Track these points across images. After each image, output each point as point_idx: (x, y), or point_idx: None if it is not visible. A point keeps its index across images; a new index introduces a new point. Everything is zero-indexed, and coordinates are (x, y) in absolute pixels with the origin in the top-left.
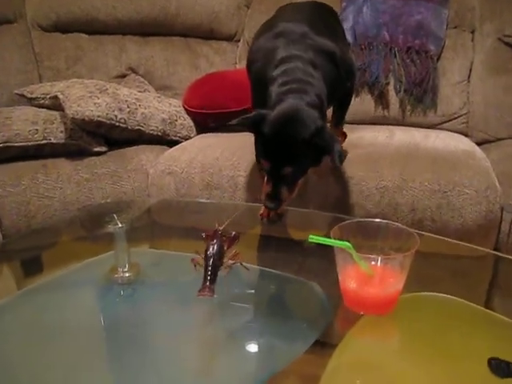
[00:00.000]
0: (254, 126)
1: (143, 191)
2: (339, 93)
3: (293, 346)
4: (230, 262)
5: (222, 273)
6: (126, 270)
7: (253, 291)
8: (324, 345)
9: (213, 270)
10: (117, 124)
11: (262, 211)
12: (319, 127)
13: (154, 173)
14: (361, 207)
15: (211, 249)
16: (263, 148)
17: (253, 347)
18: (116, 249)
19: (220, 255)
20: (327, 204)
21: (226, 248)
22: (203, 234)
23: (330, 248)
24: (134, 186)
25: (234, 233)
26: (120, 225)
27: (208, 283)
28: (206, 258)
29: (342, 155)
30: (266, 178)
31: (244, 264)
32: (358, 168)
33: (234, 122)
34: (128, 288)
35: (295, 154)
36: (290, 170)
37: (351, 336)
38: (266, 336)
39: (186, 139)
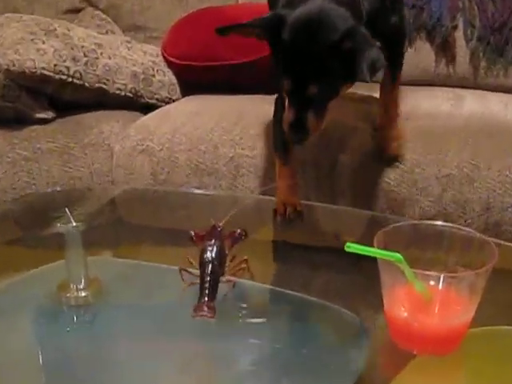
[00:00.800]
0: (269, 30)
1: (105, 176)
2: (381, 27)
3: None
4: (234, 271)
5: (222, 286)
6: (81, 287)
7: (262, 320)
8: None
9: (212, 281)
10: (69, 80)
11: (276, 205)
12: (351, 28)
13: (120, 150)
14: (414, 204)
15: (209, 252)
16: (282, 61)
17: None
18: (67, 257)
19: (221, 260)
20: (366, 199)
21: (227, 251)
22: (192, 234)
23: (370, 261)
24: (92, 169)
25: (238, 230)
26: (73, 223)
27: (206, 299)
28: (203, 265)
29: (377, 63)
30: (287, 103)
31: (249, 275)
32: (410, 149)
33: (241, 25)
34: (84, 313)
35: (322, 66)
36: (317, 88)
37: None
38: (282, 382)
39: (167, 103)
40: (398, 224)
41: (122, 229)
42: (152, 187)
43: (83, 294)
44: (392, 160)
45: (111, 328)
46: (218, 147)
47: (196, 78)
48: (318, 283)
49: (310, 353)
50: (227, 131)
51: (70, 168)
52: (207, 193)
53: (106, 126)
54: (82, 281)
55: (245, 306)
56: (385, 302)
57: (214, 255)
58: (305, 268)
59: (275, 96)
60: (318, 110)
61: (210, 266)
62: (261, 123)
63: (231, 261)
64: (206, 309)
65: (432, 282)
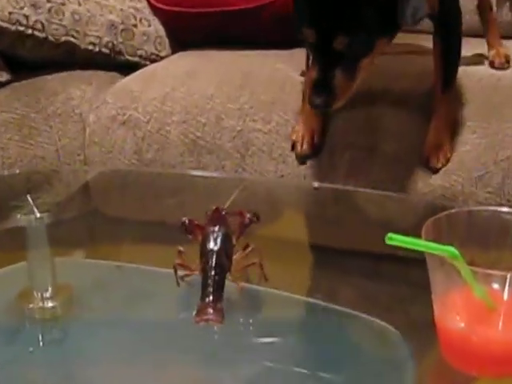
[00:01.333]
0: None
1: (76, 155)
2: None
3: None
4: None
5: (229, 284)
6: (47, 295)
7: (279, 338)
8: None
9: (218, 276)
10: (28, 32)
11: (294, 135)
12: None
13: (95, 122)
14: (468, 198)
15: (212, 241)
16: (305, 7)
17: None
18: (30, 257)
19: (227, 251)
20: (408, 181)
21: (235, 239)
22: (185, 221)
23: (415, 263)
24: (59, 146)
25: (248, 214)
26: (37, 214)
27: (211, 298)
28: (205, 256)
29: (419, 11)
30: (311, 60)
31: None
32: (468, 119)
33: None
34: (52, 329)
35: (355, 14)
36: (347, 40)
37: None
38: None
39: (153, 61)
40: (452, 211)
41: (97, 222)
42: (136, 169)
43: (50, 305)
44: (434, 170)
45: (86, 348)
46: (222, 118)
47: (189, 29)
48: (349, 291)
49: (341, 378)
50: (233, 98)
51: (31, 145)
52: (207, 175)
53: (76, 90)
54: (49, 288)
55: (257, 317)
56: (435, 310)
57: (219, 244)
58: (332, 272)
59: (292, 51)
60: (348, 69)
61: (215, 257)
62: (275, 87)
63: (240, 253)
64: (211, 311)
65: (496, 285)
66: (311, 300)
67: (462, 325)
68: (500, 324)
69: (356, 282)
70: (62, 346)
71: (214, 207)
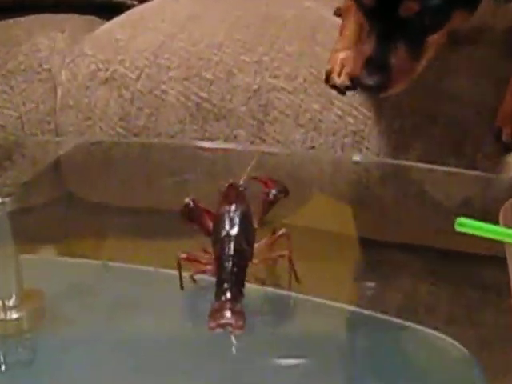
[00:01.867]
0: None
1: (45, 123)
2: None
3: None
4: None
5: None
6: (11, 304)
7: (308, 359)
8: None
9: (237, 268)
10: None
11: (330, 62)
12: None
13: (69, 80)
14: None
15: (228, 222)
16: None
17: None
18: None
19: (248, 236)
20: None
21: (256, 222)
22: (188, 203)
23: (486, 256)
24: (22, 112)
25: (273, 190)
26: None
27: (229, 296)
28: (221, 243)
29: None
30: (366, 30)
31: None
32: None
33: None
34: (17, 346)
35: None
36: (418, 4)
37: None
38: None
39: (142, 0)
40: None
41: (74, 209)
42: (123, 140)
43: (14, 316)
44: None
45: (59, 372)
46: (234, 74)
47: None
48: (400, 296)
49: None
50: (247, 47)
51: None
52: (215, 146)
53: (45, 39)
54: (13, 295)
55: (283, 327)
56: None
57: (237, 228)
58: (376, 272)
59: None
60: (413, 45)
61: (233, 243)
62: (303, 33)
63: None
64: (229, 315)
65: None
66: (351, 308)
67: None
68: None
69: (409, 284)
70: (30, 369)
71: (229, 183)
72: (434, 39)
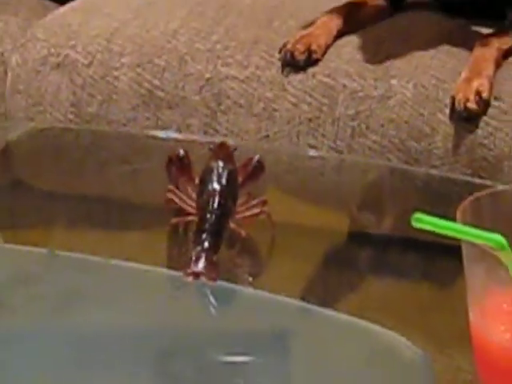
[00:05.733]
0: None
1: None
2: None
3: None
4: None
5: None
6: None
7: (258, 356)
8: None
9: (219, 220)
10: None
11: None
12: None
13: (19, 65)
14: None
15: (216, 177)
16: None
17: None
18: None
19: (233, 192)
20: (433, 158)
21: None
22: (179, 153)
23: (444, 245)
24: None
25: (257, 157)
26: None
27: (207, 246)
28: (207, 195)
29: None
30: None
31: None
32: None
33: None
34: None
35: None
36: None
37: None
38: None
39: None
40: (496, 190)
41: (22, 197)
42: (74, 126)
43: None
44: (465, 119)
45: (4, 367)
46: (187, 61)
47: None
48: (351, 292)
49: None
50: (202, 35)
51: None
52: (167, 136)
53: None
54: None
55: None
56: (471, 317)
57: (223, 183)
58: (328, 265)
59: None
60: None
61: (217, 198)
62: (257, 22)
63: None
64: (202, 264)
65: None
66: (302, 304)
67: (507, 337)
68: None
69: (360, 279)
70: None
71: (220, 142)
72: None
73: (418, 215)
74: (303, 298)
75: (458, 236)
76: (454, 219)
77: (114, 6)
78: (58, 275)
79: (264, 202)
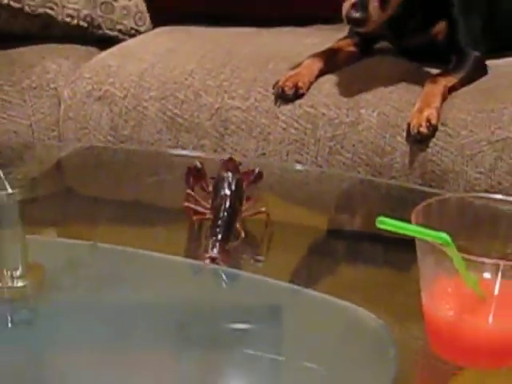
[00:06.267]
0: None
1: (50, 130)
2: None
3: None
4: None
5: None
6: (17, 274)
7: (251, 326)
8: None
9: (230, 218)
10: (4, 1)
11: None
12: None
13: (70, 97)
14: (459, 177)
15: (227, 185)
16: None
17: None
18: (0, 235)
19: (240, 196)
20: (391, 171)
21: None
22: (196, 165)
23: (402, 240)
24: (33, 121)
25: (257, 169)
26: (8, 190)
27: (220, 237)
28: (220, 199)
29: None
30: None
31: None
32: (456, 105)
33: None
34: (21, 309)
35: None
36: None
37: None
38: None
39: (132, 36)
40: (443, 197)
41: (71, 201)
42: (112, 146)
43: (20, 284)
44: (418, 140)
45: (56, 330)
46: (200, 95)
47: (172, 3)
48: (328, 275)
49: (319, 369)
50: (212, 74)
51: (4, 119)
52: (185, 153)
53: (52, 64)
54: (20, 267)
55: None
56: (423, 297)
57: (233, 189)
58: (311, 255)
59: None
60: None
61: (229, 200)
62: (256, 64)
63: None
64: (217, 250)
65: (487, 274)
66: (289, 285)
67: (451, 314)
68: (490, 315)
69: (336, 265)
70: (31, 327)
71: (228, 157)
72: None
73: (381, 218)
74: (292, 281)
75: (413, 234)
76: (409, 221)
77: (144, 51)
78: (100, 263)
79: (263, 204)
